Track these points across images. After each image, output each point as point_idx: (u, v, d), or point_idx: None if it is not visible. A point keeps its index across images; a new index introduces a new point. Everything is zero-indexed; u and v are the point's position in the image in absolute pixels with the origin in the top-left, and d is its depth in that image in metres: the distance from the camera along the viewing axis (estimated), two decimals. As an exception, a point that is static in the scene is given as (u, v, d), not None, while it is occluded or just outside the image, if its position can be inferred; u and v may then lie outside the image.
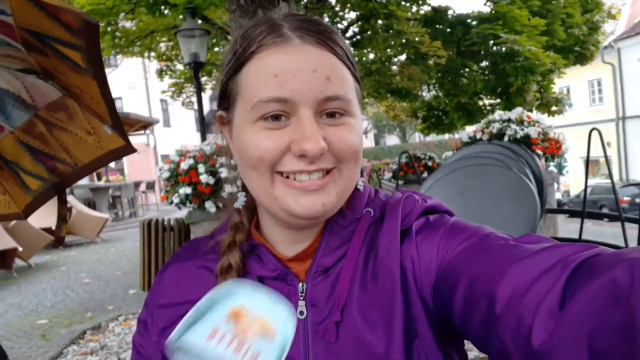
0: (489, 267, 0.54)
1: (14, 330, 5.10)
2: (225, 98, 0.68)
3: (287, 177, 0.62)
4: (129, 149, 1.29)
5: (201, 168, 5.42)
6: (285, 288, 0.67)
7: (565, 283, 0.46)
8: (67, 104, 1.23)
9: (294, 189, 0.61)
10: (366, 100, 11.51)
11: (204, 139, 7.57)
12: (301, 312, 0.66)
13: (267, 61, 0.60)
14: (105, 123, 1.22)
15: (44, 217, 9.86)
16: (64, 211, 1.44)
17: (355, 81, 0.66)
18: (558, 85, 9.91)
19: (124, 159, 22.84)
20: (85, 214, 10.89)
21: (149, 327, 0.75)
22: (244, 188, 0.71)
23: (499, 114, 5.46)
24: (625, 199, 13.86)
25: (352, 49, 0.75)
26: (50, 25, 0.88)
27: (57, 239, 1.60)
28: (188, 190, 5.38)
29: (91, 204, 13.30)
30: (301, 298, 0.66)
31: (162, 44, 10.76)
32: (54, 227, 10.21)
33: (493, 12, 7.99)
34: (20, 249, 7.85)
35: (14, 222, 8.32)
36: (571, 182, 21.93)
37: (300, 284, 0.67)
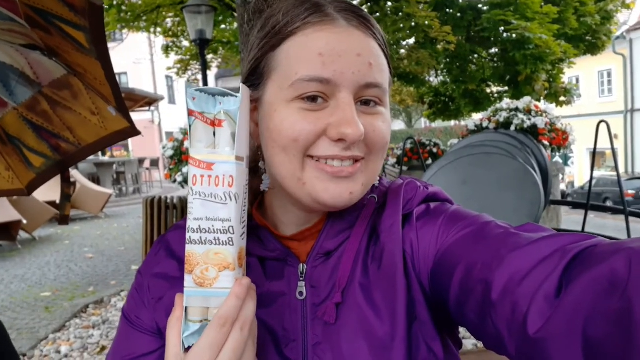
0: (487, 255, 0.54)
1: (18, 302, 5.16)
2: (256, 74, 0.65)
3: (318, 161, 0.60)
4: (133, 131, 1.28)
5: (205, 147, 5.42)
6: (285, 268, 0.67)
7: (562, 271, 0.46)
8: (72, 83, 1.22)
9: (325, 173, 0.60)
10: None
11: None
12: (300, 293, 0.66)
13: (313, 39, 0.59)
14: (110, 104, 1.21)
15: (49, 190, 9.93)
16: (67, 190, 1.44)
17: (389, 71, 0.65)
18: (567, 75, 9.79)
19: (129, 135, 22.83)
20: (89, 188, 10.93)
21: (144, 295, 0.73)
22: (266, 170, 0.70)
23: (506, 102, 5.42)
24: (630, 192, 13.82)
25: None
26: (53, 3, 0.87)
27: (62, 217, 1.61)
28: (191, 169, 5.38)
29: (95, 179, 13.34)
30: (301, 279, 0.66)
31: (168, 20, 10.64)
32: (58, 201, 10.27)
33: (505, -3, 7.86)
34: (25, 221, 7.90)
35: (18, 194, 8.39)
36: (576, 173, 21.85)
37: (301, 265, 0.67)
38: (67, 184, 1.43)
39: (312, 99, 0.59)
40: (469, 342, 3.43)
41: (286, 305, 0.65)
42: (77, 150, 1.36)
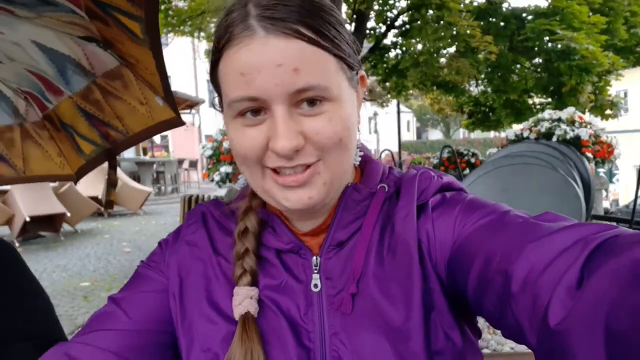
0: (506, 245, 0.53)
1: (59, 290, 5.38)
2: (215, 88, 0.67)
3: (274, 170, 0.61)
4: (178, 121, 1.33)
5: (243, 148, 5.53)
6: (299, 261, 0.68)
7: (584, 262, 0.45)
8: (123, 73, 1.29)
9: (280, 184, 0.61)
10: (411, 91, 11.32)
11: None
12: (315, 285, 0.66)
13: (234, 59, 0.58)
14: (158, 94, 1.26)
15: (91, 185, 10.33)
16: (113, 177, 1.51)
17: (340, 60, 0.61)
18: (614, 88, 9.45)
19: (170, 136, 23.46)
20: (130, 186, 11.30)
21: (169, 246, 0.77)
22: None
23: (548, 112, 5.28)
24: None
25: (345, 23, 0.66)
26: (113, -6, 0.93)
27: (107, 202, 1.69)
28: (229, 169, 5.50)
29: (136, 177, 13.76)
30: (315, 271, 0.67)
31: (212, 25, 10.92)
32: (100, 196, 10.66)
33: (551, 6, 7.67)
34: (69, 214, 8.23)
35: (63, 188, 8.74)
36: (621, 191, 20.99)
37: (314, 257, 0.67)
38: (114, 171, 1.50)
39: (255, 111, 0.59)
40: (506, 347, 3.35)
41: (302, 297, 0.66)
42: (125, 138, 1.42)
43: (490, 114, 10.86)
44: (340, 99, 0.61)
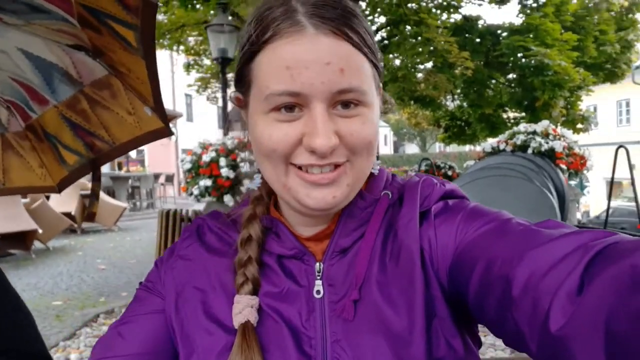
0: (508, 251, 0.54)
1: (30, 309, 5.20)
2: (241, 83, 0.67)
3: (300, 168, 0.62)
4: (167, 132, 1.32)
5: (222, 161, 5.50)
6: (302, 267, 0.68)
7: (584, 268, 0.46)
8: (112, 83, 1.27)
9: (306, 182, 0.61)
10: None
11: (225, 134, 7.66)
12: (318, 292, 0.66)
13: (280, 52, 0.58)
14: (147, 104, 1.25)
15: (64, 201, 10.09)
16: (97, 188, 1.47)
17: (374, 67, 0.64)
18: (585, 103, 9.77)
19: (146, 150, 23.14)
20: (104, 201, 11.06)
21: (163, 264, 0.77)
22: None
23: (524, 126, 5.42)
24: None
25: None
26: (108, 2, 0.92)
27: (89, 213, 1.65)
28: (208, 182, 5.45)
29: (111, 193, 13.50)
30: (318, 277, 0.67)
31: (191, 38, 10.91)
32: (73, 212, 10.42)
33: (525, 24, 7.92)
34: (40, 231, 8.00)
35: (36, 204, 8.51)
36: (592, 203, 21.54)
37: (317, 264, 0.67)
38: (98, 183, 1.46)
39: (289, 108, 0.59)
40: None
41: (304, 303, 0.66)
42: (111, 148, 1.39)
43: (466, 128, 11.07)
44: (373, 104, 0.63)
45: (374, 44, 0.64)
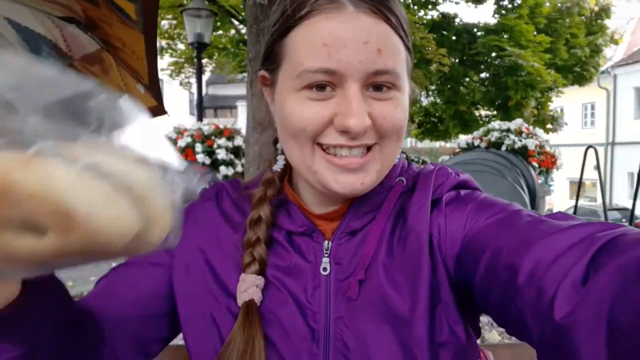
0: (515, 240, 0.54)
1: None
2: (270, 59, 0.65)
3: (327, 150, 0.61)
4: (160, 110, 1.29)
5: (198, 147, 5.42)
6: (310, 244, 0.68)
7: (590, 259, 0.46)
8: (103, 58, 1.23)
9: (334, 165, 0.60)
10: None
11: (200, 120, 7.54)
12: (324, 269, 0.66)
13: (317, 28, 0.57)
14: (141, 81, 1.22)
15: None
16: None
17: (407, 52, 0.63)
18: (553, 104, 10.06)
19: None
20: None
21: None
22: (283, 151, 0.71)
23: (498, 123, 5.54)
24: (610, 222, 13.99)
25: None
26: (110, -28, 0.89)
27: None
28: (184, 168, 5.36)
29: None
30: (326, 255, 0.67)
31: (165, 22, 10.66)
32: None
33: (500, 24, 8.06)
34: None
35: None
36: (556, 202, 22.24)
37: (326, 242, 0.68)
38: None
39: (320, 87, 0.59)
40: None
41: (310, 279, 0.66)
42: (100, 127, 1.36)
43: (439, 124, 11.22)
44: (404, 89, 0.63)
45: (408, 29, 0.64)
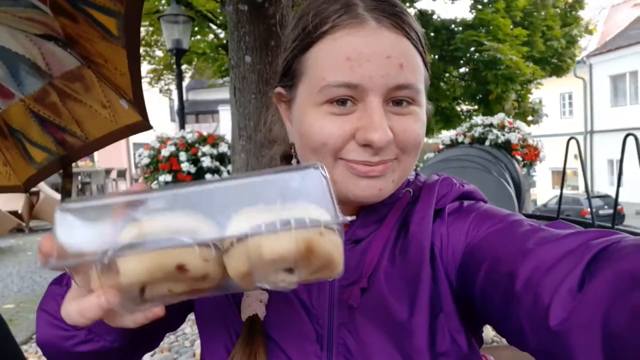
0: (513, 249, 0.54)
1: (-22, 314, 4.92)
2: (288, 75, 0.66)
3: (349, 161, 0.61)
4: (145, 125, 1.27)
5: (182, 156, 5.36)
6: None
7: (586, 265, 0.46)
8: (84, 75, 1.20)
9: (356, 173, 0.61)
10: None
11: (182, 127, 7.46)
12: None
13: (340, 43, 0.58)
14: (125, 96, 1.19)
15: (10, 200, 9.55)
16: (68, 185, 1.41)
17: (425, 69, 0.64)
18: (532, 96, 10.21)
19: (95, 145, 22.20)
20: (53, 198, 10.55)
21: None
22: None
23: (481, 118, 5.59)
24: (589, 210, 14.26)
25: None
26: (89, -12, 0.86)
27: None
28: (168, 177, 5.30)
29: (59, 189, 12.92)
30: None
31: (142, 28, 10.54)
32: (20, 210, 9.88)
33: (477, 19, 8.15)
34: (-15, 231, 7.57)
35: (-22, 203, 8.02)
36: (538, 192, 22.55)
37: None
38: (69, 180, 1.40)
39: (342, 102, 0.59)
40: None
41: (315, 284, 0.67)
42: (83, 144, 1.33)
43: (421, 120, 11.28)
44: (422, 105, 0.63)
45: (426, 48, 0.65)
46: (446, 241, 0.65)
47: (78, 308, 0.45)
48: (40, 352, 3.92)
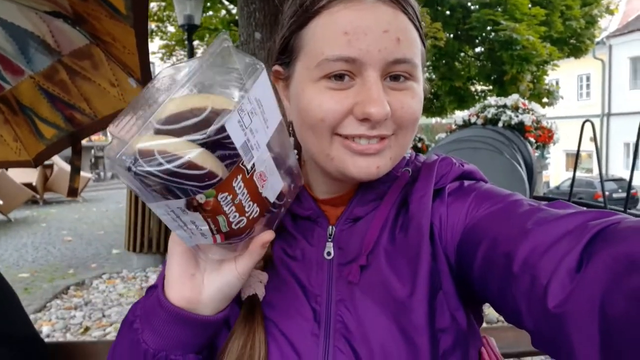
0: (512, 229, 0.54)
1: (-5, 283, 5.05)
2: (286, 53, 0.66)
3: (346, 137, 0.61)
4: (153, 104, 1.27)
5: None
6: (315, 228, 0.70)
7: (584, 247, 0.46)
8: (93, 53, 1.21)
9: (352, 151, 0.61)
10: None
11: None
12: (328, 253, 0.68)
13: (338, 17, 0.58)
14: (133, 75, 1.20)
15: (25, 172, 9.70)
16: (78, 162, 1.42)
17: (422, 44, 0.64)
18: (548, 77, 10.00)
19: (108, 119, 22.33)
20: (66, 171, 10.68)
21: None
22: (297, 145, 0.71)
23: (494, 99, 5.51)
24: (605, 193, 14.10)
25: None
26: (96, -34, 0.86)
27: (71, 189, 1.58)
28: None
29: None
30: (329, 240, 0.68)
31: (154, 4, 10.47)
32: (34, 183, 10.05)
33: (494, -3, 7.97)
34: (1, 202, 7.71)
35: (-6, 175, 8.17)
36: (552, 174, 22.33)
37: (330, 227, 0.69)
38: (79, 156, 1.41)
39: (339, 77, 0.59)
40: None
41: (314, 262, 0.67)
42: (92, 122, 1.34)
43: (435, 100, 11.16)
44: (420, 80, 0.63)
45: (423, 24, 0.65)
46: (445, 221, 0.66)
47: (236, 268, 0.57)
48: (53, 319, 4.04)
